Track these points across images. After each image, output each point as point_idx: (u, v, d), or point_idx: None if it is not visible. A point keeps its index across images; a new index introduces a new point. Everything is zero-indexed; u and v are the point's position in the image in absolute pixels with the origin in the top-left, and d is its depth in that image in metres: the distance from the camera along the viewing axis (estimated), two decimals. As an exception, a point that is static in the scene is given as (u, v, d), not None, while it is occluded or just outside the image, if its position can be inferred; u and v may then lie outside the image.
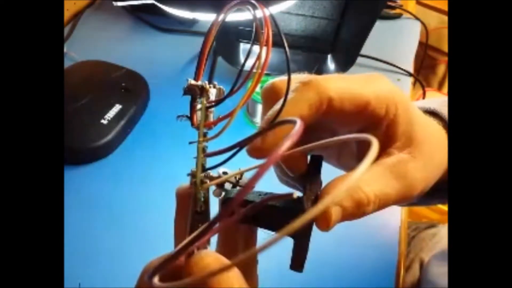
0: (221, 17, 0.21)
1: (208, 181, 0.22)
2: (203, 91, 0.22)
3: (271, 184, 0.25)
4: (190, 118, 0.22)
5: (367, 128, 0.24)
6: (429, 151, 0.24)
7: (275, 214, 0.21)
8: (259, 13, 0.20)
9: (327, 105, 0.22)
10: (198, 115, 0.23)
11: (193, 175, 0.22)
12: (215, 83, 0.23)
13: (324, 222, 0.20)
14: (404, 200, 0.23)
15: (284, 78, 0.23)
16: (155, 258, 0.21)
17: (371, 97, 0.22)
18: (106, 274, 0.44)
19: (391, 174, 0.22)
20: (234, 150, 0.21)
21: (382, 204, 0.22)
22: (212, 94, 0.23)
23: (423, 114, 0.25)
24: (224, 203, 0.23)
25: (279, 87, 0.24)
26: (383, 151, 0.23)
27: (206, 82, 0.22)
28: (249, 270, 0.23)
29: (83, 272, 0.43)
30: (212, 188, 0.23)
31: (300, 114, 0.22)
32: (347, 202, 0.20)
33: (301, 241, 0.21)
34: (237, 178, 0.23)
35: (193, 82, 0.22)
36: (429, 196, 0.26)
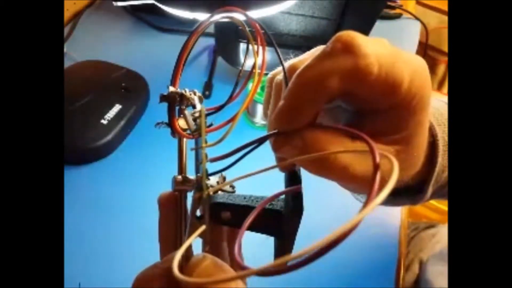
0: (203, 25, 0.20)
1: (209, 187, 0.22)
2: (182, 98, 0.21)
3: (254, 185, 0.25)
4: (170, 126, 0.22)
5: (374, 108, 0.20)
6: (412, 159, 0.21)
7: (263, 216, 0.21)
8: (251, 16, 0.20)
9: (362, 78, 0.18)
10: (180, 123, 0.22)
11: (183, 180, 0.22)
12: (195, 90, 0.22)
13: None
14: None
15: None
16: (146, 268, 0.20)
17: (407, 79, 0.18)
18: (106, 274, 0.44)
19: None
20: (240, 154, 0.20)
21: None
22: (195, 100, 0.22)
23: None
24: (212, 206, 0.22)
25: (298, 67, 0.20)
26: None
27: (186, 89, 0.22)
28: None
29: (83, 272, 0.43)
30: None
31: (331, 87, 0.18)
32: None
33: (288, 241, 0.21)
34: (219, 182, 0.23)
35: (173, 89, 0.21)
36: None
